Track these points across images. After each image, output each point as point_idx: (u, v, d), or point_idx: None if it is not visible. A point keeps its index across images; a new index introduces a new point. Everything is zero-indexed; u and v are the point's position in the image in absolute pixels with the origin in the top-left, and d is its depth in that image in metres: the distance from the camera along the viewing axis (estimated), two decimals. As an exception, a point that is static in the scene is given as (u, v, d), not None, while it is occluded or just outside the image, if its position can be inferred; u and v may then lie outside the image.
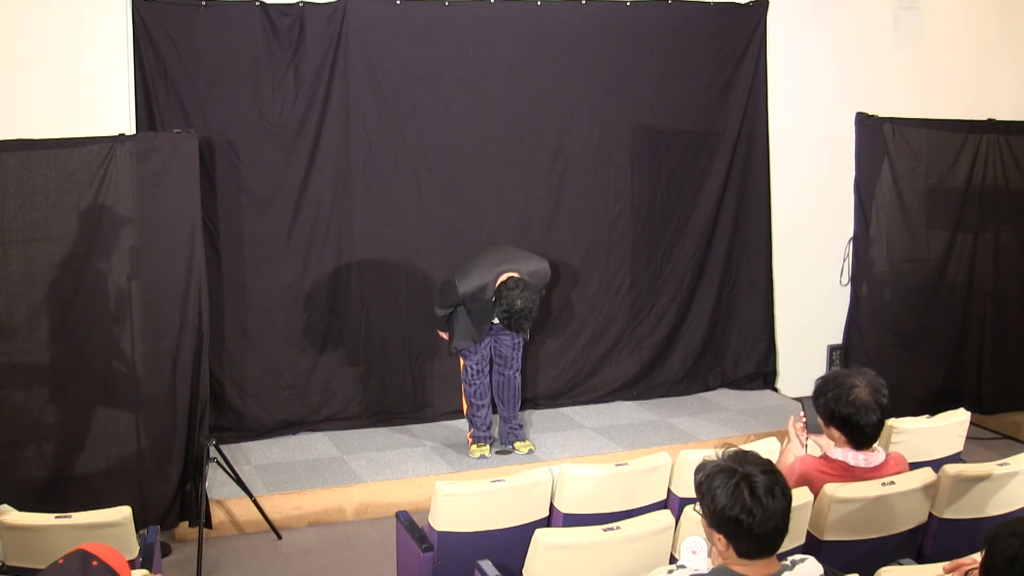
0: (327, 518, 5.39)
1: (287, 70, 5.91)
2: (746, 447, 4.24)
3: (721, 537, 2.52)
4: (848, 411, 3.44)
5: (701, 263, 6.97)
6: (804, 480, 3.52)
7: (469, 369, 5.79)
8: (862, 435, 3.49)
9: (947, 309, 6.40)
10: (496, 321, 5.58)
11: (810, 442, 3.72)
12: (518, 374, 5.90)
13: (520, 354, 5.89)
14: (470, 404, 5.88)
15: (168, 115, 5.64)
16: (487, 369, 5.83)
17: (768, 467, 2.55)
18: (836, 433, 3.53)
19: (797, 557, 2.62)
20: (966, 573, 2.70)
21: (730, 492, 2.48)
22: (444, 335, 5.86)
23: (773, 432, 5.46)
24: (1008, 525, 2.38)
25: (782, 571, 2.56)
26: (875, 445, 3.57)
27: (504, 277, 5.41)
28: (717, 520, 2.51)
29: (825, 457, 3.59)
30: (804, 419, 3.70)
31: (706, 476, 2.56)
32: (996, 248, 6.45)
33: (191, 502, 4.86)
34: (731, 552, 2.52)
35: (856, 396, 3.45)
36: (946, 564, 2.81)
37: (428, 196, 6.32)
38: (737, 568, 2.52)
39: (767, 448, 4.09)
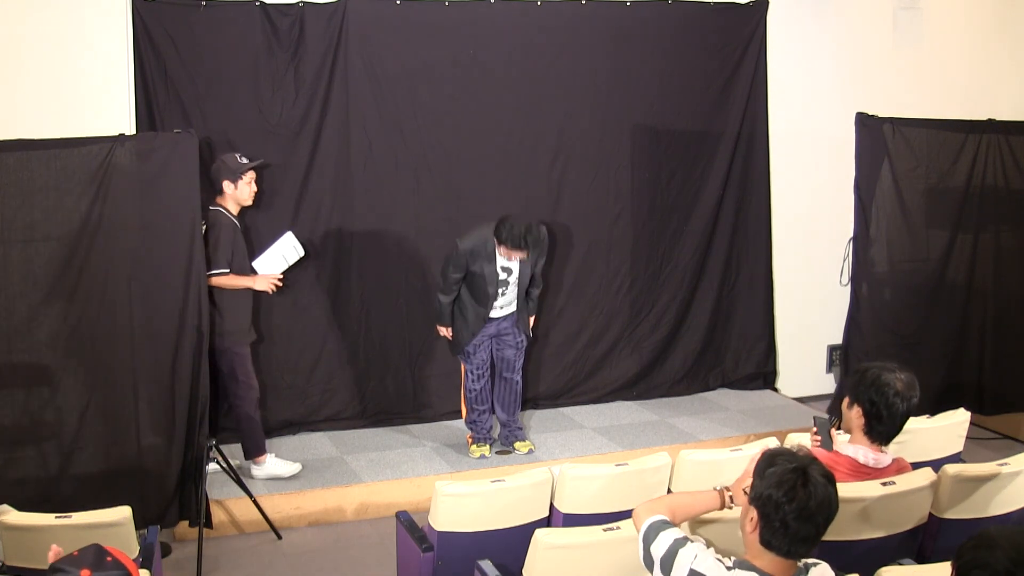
0: (327, 518, 5.39)
1: (287, 70, 5.91)
2: (746, 447, 4.28)
3: (754, 517, 2.53)
4: (877, 391, 3.42)
5: (701, 263, 6.97)
6: None
7: (470, 374, 5.80)
8: (880, 423, 3.46)
9: (947, 309, 6.39)
10: (497, 315, 5.59)
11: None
12: (519, 376, 5.90)
13: (522, 356, 5.90)
14: (470, 410, 5.89)
15: (168, 115, 5.64)
16: (488, 374, 5.83)
17: (831, 495, 2.55)
18: (856, 414, 3.48)
19: (810, 561, 2.62)
20: None
21: (786, 481, 2.51)
22: (444, 332, 5.84)
23: (773, 432, 5.46)
24: (974, 551, 2.32)
25: (796, 574, 2.57)
26: (884, 448, 3.56)
27: None
28: (760, 499, 2.53)
29: (835, 453, 3.56)
30: (819, 440, 3.66)
31: (770, 455, 2.60)
32: (996, 248, 6.44)
33: (191, 502, 4.86)
34: (755, 536, 2.54)
35: (892, 380, 3.43)
36: None
37: (428, 196, 6.32)
38: (756, 562, 2.54)
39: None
